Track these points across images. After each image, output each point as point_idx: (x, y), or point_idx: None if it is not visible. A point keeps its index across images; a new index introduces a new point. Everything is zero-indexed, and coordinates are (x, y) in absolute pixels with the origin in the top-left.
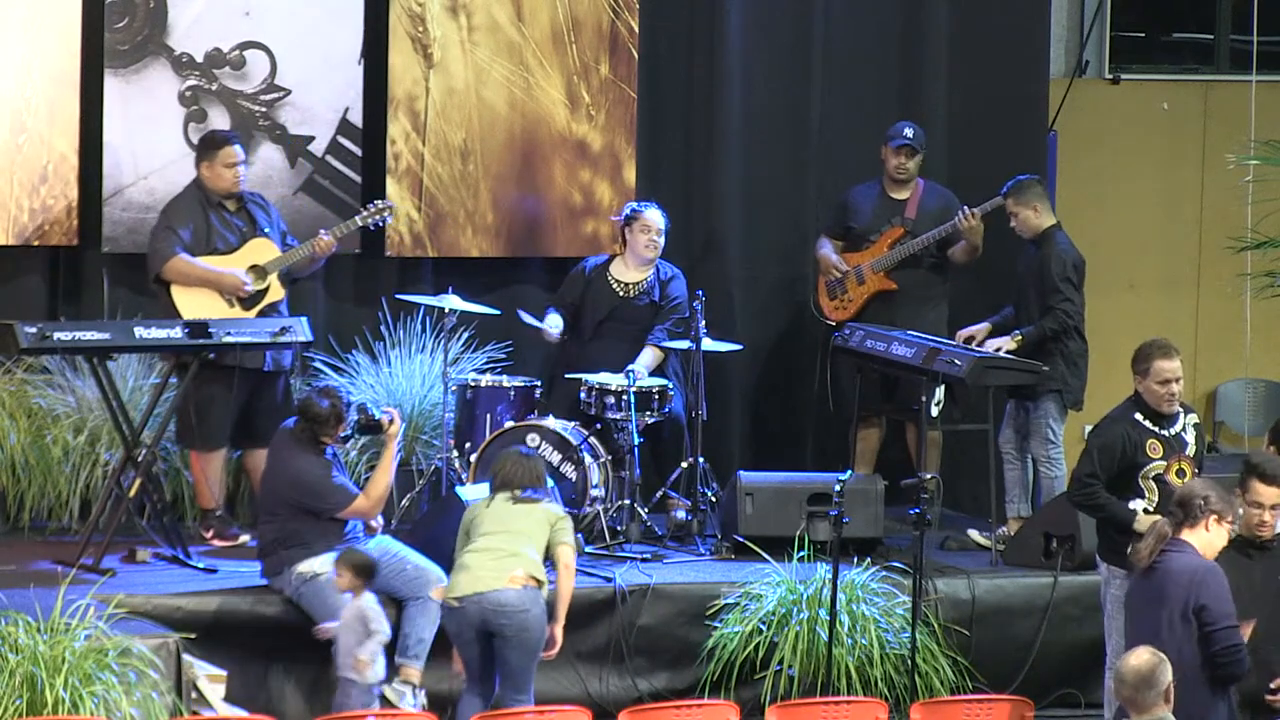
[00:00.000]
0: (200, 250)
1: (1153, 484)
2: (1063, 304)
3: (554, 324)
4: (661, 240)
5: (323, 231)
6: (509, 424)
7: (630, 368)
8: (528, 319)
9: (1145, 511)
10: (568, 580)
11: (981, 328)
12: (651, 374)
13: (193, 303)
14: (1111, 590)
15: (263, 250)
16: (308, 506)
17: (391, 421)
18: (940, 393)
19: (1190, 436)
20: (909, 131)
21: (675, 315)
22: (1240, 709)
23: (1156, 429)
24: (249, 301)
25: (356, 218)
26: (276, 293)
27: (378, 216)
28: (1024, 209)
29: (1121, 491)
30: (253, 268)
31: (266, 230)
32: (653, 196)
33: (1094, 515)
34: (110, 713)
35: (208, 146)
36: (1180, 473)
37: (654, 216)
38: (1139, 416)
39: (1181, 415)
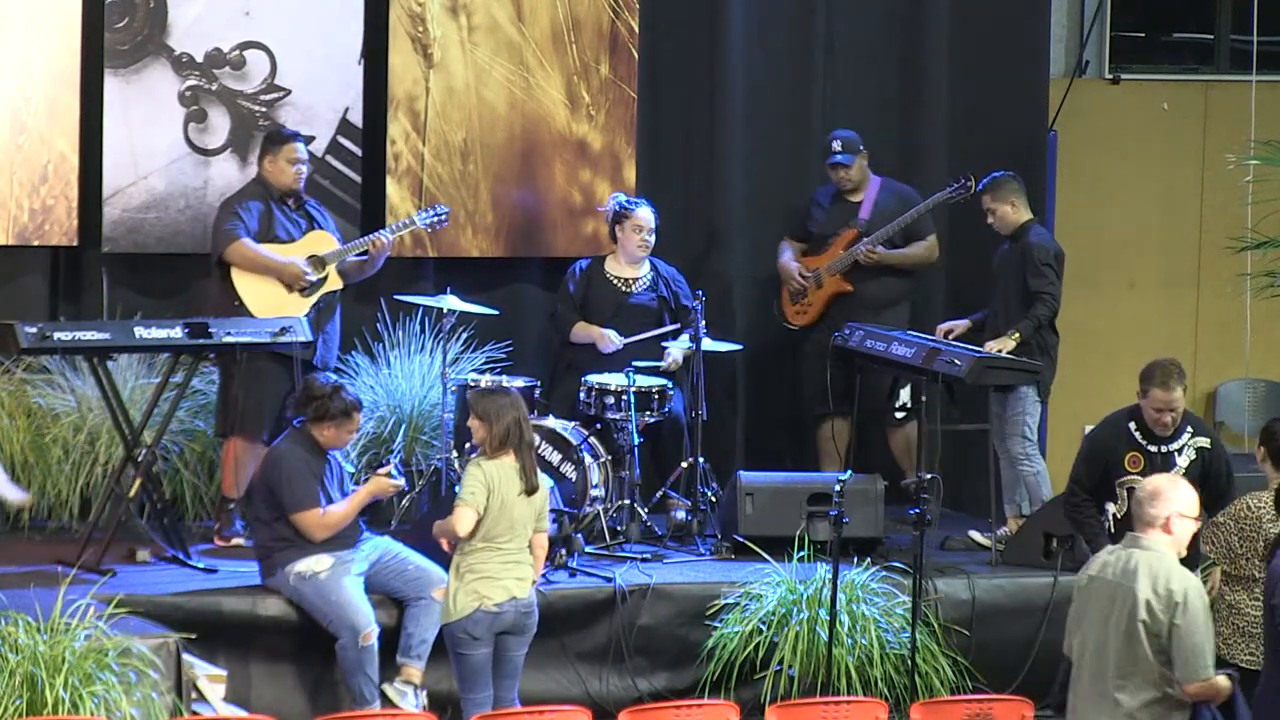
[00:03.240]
0: (262, 239)
1: (1125, 493)
2: (1049, 288)
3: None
4: (652, 239)
5: (382, 231)
6: None
7: (633, 368)
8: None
9: (1115, 517)
10: (542, 562)
11: (962, 324)
12: (651, 374)
13: (252, 288)
14: None
15: (322, 242)
16: (272, 487)
17: (390, 476)
18: (905, 394)
19: (1183, 459)
20: (836, 144)
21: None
22: None
23: (1145, 443)
24: (308, 290)
25: (417, 217)
26: (335, 281)
27: (435, 220)
28: (1001, 205)
29: (1103, 494)
30: (312, 257)
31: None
32: (653, 196)
33: (1071, 523)
34: (110, 713)
35: (272, 142)
36: None
37: (646, 215)
38: (1132, 426)
39: (1186, 435)
